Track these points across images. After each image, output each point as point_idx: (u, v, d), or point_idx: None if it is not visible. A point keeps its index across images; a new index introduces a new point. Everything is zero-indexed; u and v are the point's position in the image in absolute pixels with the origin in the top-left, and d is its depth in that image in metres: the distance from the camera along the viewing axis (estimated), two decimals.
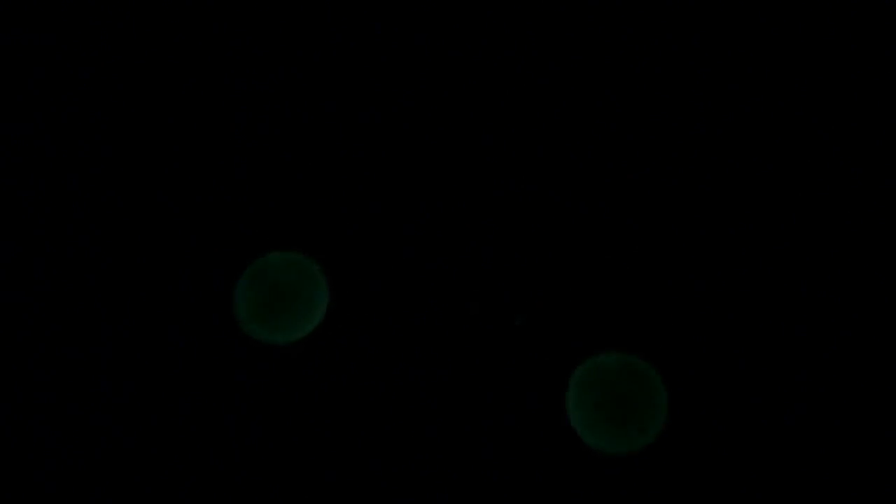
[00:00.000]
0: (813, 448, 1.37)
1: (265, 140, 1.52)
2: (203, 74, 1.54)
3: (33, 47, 1.56)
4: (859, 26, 1.47)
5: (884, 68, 1.46)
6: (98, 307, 1.49)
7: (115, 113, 1.54)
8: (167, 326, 1.48)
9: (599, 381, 1.39)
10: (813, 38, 1.47)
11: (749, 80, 1.47)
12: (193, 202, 1.51)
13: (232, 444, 1.44)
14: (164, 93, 1.54)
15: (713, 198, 1.45)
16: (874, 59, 1.46)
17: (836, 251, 1.42)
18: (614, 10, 1.49)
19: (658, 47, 1.48)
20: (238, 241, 1.49)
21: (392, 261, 1.47)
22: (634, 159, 1.46)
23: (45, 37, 1.56)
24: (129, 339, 1.48)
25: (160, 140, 1.53)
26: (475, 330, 1.44)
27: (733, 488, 1.37)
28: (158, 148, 1.53)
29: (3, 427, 1.47)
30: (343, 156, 1.51)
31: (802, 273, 1.42)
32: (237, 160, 1.52)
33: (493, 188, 1.47)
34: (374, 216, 1.48)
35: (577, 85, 1.48)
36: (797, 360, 1.40)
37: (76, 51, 1.56)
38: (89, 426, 1.46)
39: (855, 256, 1.42)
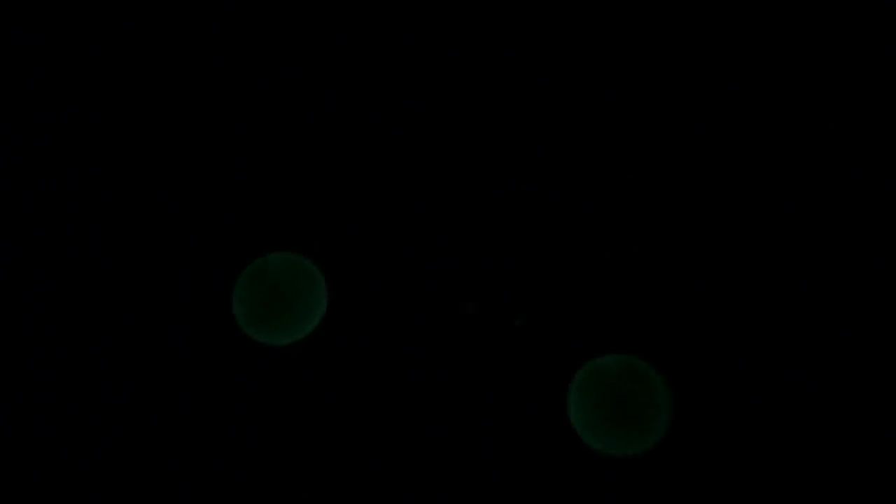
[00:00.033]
0: (814, 449, 1.37)
1: (263, 141, 1.52)
2: (201, 77, 1.54)
3: (33, 47, 1.56)
4: (859, 26, 1.47)
5: (884, 68, 1.46)
6: (96, 309, 1.49)
7: (113, 114, 1.54)
8: (165, 328, 1.48)
9: (601, 384, 1.38)
10: (813, 39, 1.47)
11: (749, 80, 1.47)
12: (192, 203, 1.51)
13: (231, 445, 1.44)
14: (162, 94, 1.54)
15: (714, 199, 1.44)
16: (874, 59, 1.46)
17: (837, 252, 1.42)
18: (614, 10, 1.49)
19: (658, 47, 1.48)
20: (236, 242, 1.49)
21: (392, 262, 1.47)
22: (635, 160, 1.46)
23: (44, 37, 1.56)
24: (127, 341, 1.48)
25: (158, 141, 1.53)
26: (475, 331, 1.44)
27: (737, 491, 1.37)
28: (156, 149, 1.53)
29: (1, 426, 1.47)
30: (341, 157, 1.51)
31: (804, 274, 1.42)
32: (235, 161, 1.52)
33: (493, 189, 1.47)
34: (373, 217, 1.48)
35: (577, 86, 1.48)
36: (800, 362, 1.39)
37: (75, 51, 1.55)
38: (88, 427, 1.46)
39: (855, 257, 1.42)
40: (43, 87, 1.55)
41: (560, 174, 1.47)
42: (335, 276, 1.47)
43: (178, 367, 1.47)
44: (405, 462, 1.42)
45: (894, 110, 1.45)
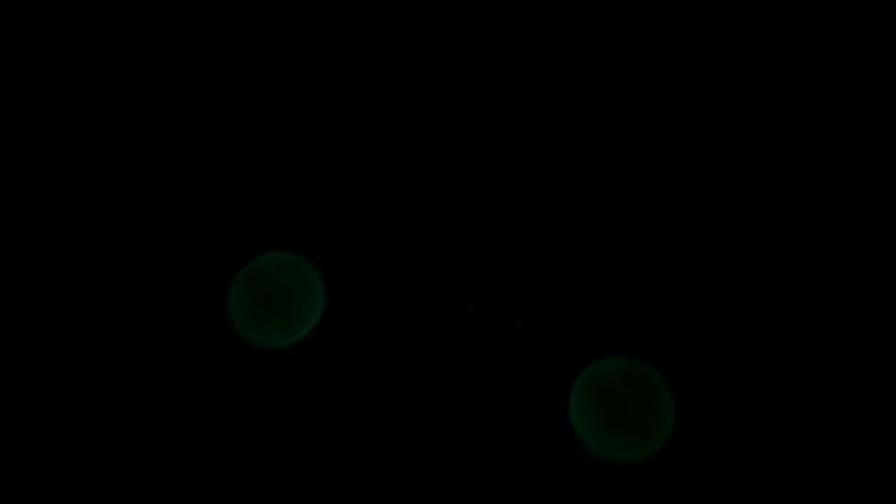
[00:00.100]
0: (818, 454, 1.38)
1: (258, 141, 1.51)
2: (198, 77, 1.53)
3: (33, 47, 1.55)
4: (859, 26, 1.47)
5: (884, 68, 1.46)
6: (90, 311, 1.48)
7: (109, 114, 1.53)
8: (158, 331, 1.47)
9: (603, 388, 1.38)
10: (813, 39, 1.48)
11: (749, 80, 1.47)
12: (186, 204, 1.50)
13: (225, 450, 1.43)
14: (159, 94, 1.53)
15: (716, 200, 1.45)
16: (874, 59, 1.47)
17: (838, 252, 1.43)
18: (614, 10, 1.49)
19: (658, 47, 1.48)
20: (231, 243, 1.48)
21: (390, 263, 1.46)
22: (635, 161, 1.46)
23: (44, 37, 1.55)
24: (121, 344, 1.47)
25: (154, 142, 1.52)
26: (474, 332, 1.43)
27: (740, 496, 1.37)
28: (152, 150, 1.52)
29: None
30: (338, 156, 1.50)
31: (805, 275, 1.42)
32: (231, 161, 1.51)
33: (493, 190, 1.47)
34: (371, 217, 1.48)
35: (577, 85, 1.48)
36: (804, 364, 1.40)
37: (74, 51, 1.54)
38: (80, 431, 1.45)
39: (856, 258, 1.42)
40: (40, 87, 1.54)
41: (560, 176, 1.47)
42: (333, 277, 1.46)
43: (172, 371, 1.45)
44: (403, 467, 1.41)
45: (894, 110, 1.45)
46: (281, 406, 1.44)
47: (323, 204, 1.49)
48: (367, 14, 1.52)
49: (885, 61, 1.46)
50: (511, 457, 1.40)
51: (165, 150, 1.52)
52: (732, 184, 1.45)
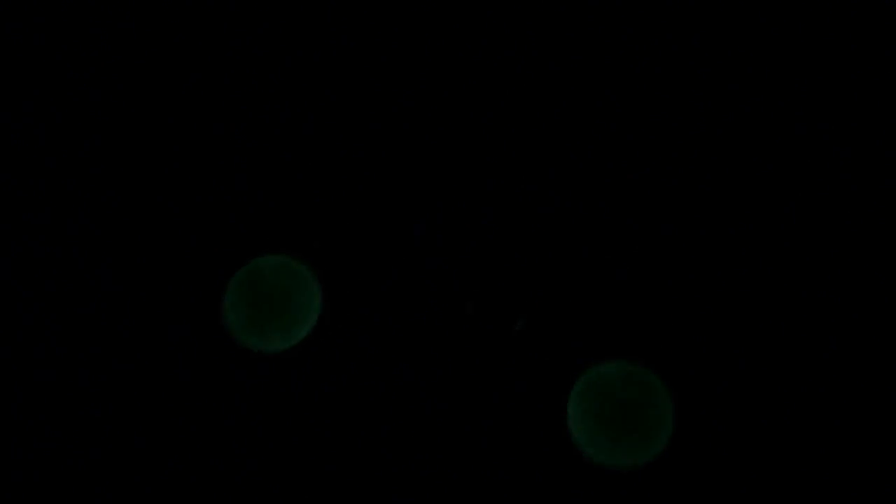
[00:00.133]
0: (818, 456, 1.38)
1: (256, 143, 1.51)
2: (197, 80, 1.52)
3: (33, 47, 1.54)
4: (859, 26, 1.47)
5: (884, 68, 1.46)
6: (86, 315, 1.47)
7: (105, 116, 1.53)
8: (155, 334, 1.46)
9: (602, 392, 1.37)
10: (813, 39, 1.47)
11: (749, 80, 1.47)
12: (183, 206, 1.50)
13: (222, 454, 1.43)
14: (158, 96, 1.52)
15: (715, 206, 1.44)
16: (874, 59, 1.46)
17: (836, 258, 1.42)
18: (614, 10, 1.49)
19: (658, 47, 1.48)
20: (227, 246, 1.48)
21: (388, 265, 1.46)
22: (636, 162, 1.46)
23: (44, 37, 1.54)
24: (117, 347, 1.46)
25: (149, 144, 1.52)
26: (473, 335, 1.43)
27: (739, 501, 1.37)
28: (146, 152, 1.52)
29: None
30: (335, 159, 1.50)
31: (804, 280, 1.42)
32: (227, 164, 1.51)
33: (493, 192, 1.46)
34: (369, 219, 1.47)
35: (577, 86, 1.48)
36: (803, 368, 1.39)
37: (74, 51, 1.54)
38: (78, 434, 1.45)
39: (855, 262, 1.42)
40: (40, 87, 1.54)
41: (560, 178, 1.46)
42: (329, 280, 1.45)
43: (168, 374, 1.45)
44: (401, 469, 1.41)
45: (894, 110, 1.45)
46: (281, 406, 1.44)
47: (319, 206, 1.48)
48: (364, 17, 1.52)
49: (885, 61, 1.46)
50: (509, 460, 1.40)
51: (162, 155, 1.51)
52: (731, 189, 1.44)
